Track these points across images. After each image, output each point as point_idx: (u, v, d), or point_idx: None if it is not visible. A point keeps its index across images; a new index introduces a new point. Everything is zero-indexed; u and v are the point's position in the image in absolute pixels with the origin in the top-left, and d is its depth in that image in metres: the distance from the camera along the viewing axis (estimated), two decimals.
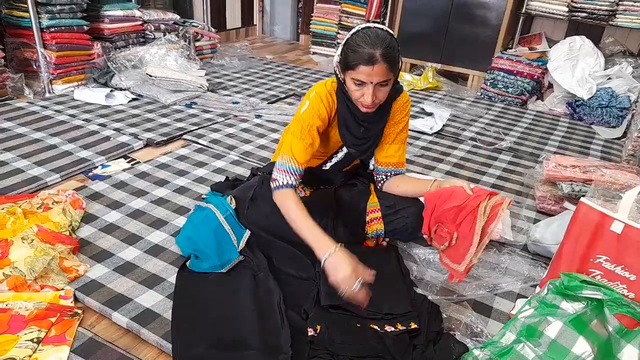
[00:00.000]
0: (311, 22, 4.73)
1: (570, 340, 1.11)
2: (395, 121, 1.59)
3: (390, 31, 1.38)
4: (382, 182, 1.64)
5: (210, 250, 1.50)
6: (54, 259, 1.40)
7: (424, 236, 1.51)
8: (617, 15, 3.44)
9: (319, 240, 1.31)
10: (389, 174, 1.62)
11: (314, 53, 4.78)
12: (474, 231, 1.34)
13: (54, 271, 1.39)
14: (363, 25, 1.39)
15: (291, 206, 1.39)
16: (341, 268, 1.23)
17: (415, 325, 1.30)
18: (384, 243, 1.67)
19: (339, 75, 1.46)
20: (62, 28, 2.93)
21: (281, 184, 1.42)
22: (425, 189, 1.52)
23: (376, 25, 1.39)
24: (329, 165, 1.70)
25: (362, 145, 1.59)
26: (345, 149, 1.65)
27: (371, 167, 1.75)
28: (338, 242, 1.30)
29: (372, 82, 1.35)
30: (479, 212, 1.34)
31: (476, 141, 2.84)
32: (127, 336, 1.27)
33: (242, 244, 1.55)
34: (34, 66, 2.96)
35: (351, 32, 1.38)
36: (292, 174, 1.43)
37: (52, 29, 2.88)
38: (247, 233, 1.58)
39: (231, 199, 1.68)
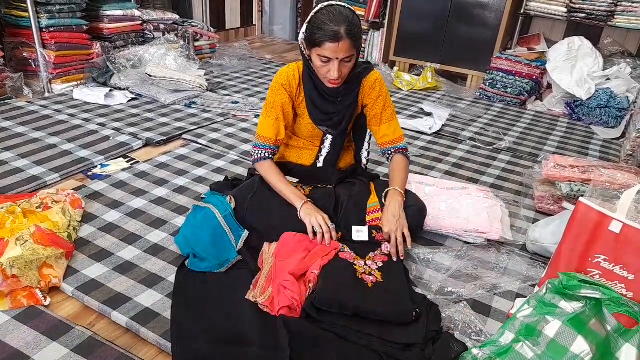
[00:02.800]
0: None
1: (569, 340, 1.11)
2: (372, 101, 1.66)
3: (352, 8, 1.46)
4: (389, 160, 1.75)
5: (207, 252, 1.50)
6: (37, 261, 1.39)
7: None
8: (615, 16, 3.45)
9: (295, 195, 1.58)
10: (391, 152, 1.73)
11: None
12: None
13: (32, 271, 1.37)
14: (326, 3, 1.46)
15: (269, 172, 1.64)
16: (312, 214, 1.53)
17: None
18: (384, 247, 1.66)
19: (304, 53, 1.53)
20: (62, 28, 2.93)
21: (257, 157, 1.67)
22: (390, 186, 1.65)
23: (339, 3, 1.47)
24: (321, 159, 1.73)
25: (330, 121, 1.66)
26: (329, 137, 1.70)
27: (364, 159, 1.84)
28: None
29: (337, 58, 1.44)
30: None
31: (475, 141, 2.84)
32: (127, 335, 1.27)
33: (241, 244, 1.55)
34: (33, 66, 2.96)
35: (315, 10, 1.45)
36: (263, 149, 1.66)
37: (52, 29, 2.88)
38: (246, 233, 1.58)
39: (231, 198, 1.68)
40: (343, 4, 1.46)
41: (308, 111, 1.66)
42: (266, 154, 1.65)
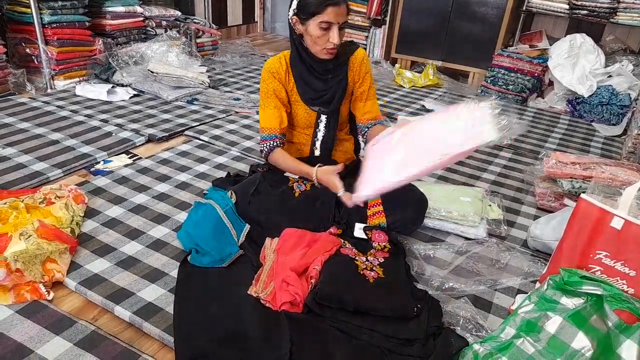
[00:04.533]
0: None
1: (569, 336, 1.12)
2: (360, 78, 1.72)
3: None
4: (365, 135, 1.79)
5: (209, 247, 1.50)
6: (42, 256, 1.40)
7: None
8: (617, 13, 3.44)
9: (306, 169, 1.61)
10: (370, 127, 1.77)
11: None
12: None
13: (35, 265, 1.38)
14: None
15: (280, 159, 1.67)
16: (329, 180, 1.55)
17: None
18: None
19: (295, 29, 1.56)
20: (64, 24, 2.93)
21: (267, 150, 1.67)
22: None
23: None
24: (317, 144, 1.73)
25: (322, 98, 1.68)
26: (323, 119, 1.72)
27: (361, 150, 1.86)
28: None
29: (338, 23, 1.49)
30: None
31: None
32: (130, 330, 1.28)
33: (242, 238, 1.56)
34: (36, 62, 2.96)
35: None
36: (270, 140, 1.66)
37: (54, 25, 2.88)
38: (247, 227, 1.59)
39: (231, 193, 1.68)
40: None
41: (299, 92, 1.68)
42: (274, 143, 1.66)
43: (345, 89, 1.71)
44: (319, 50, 1.56)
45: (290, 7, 1.55)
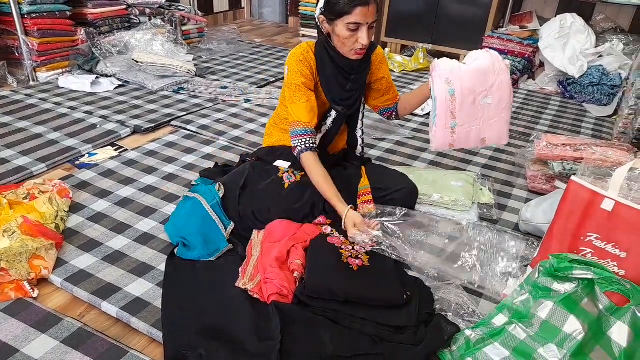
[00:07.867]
0: (300, 4, 4.64)
1: (561, 320, 1.11)
2: (384, 73, 1.73)
3: None
4: (393, 114, 1.83)
5: (196, 241, 1.48)
6: (27, 253, 1.37)
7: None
8: None
9: (338, 202, 1.52)
10: (393, 106, 1.81)
11: (304, 35, 4.70)
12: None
13: (21, 263, 1.35)
14: None
15: (313, 170, 1.54)
16: (357, 221, 1.49)
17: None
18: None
19: (323, 29, 1.52)
20: (44, 14, 2.85)
21: (301, 148, 1.55)
22: (425, 91, 1.70)
23: None
24: (319, 136, 1.70)
25: (348, 100, 1.66)
26: (333, 114, 1.68)
27: (359, 138, 1.81)
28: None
29: (367, 23, 1.45)
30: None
31: None
32: (117, 325, 1.26)
33: (227, 236, 1.53)
34: (17, 54, 2.89)
35: None
36: (304, 134, 1.55)
37: (33, 15, 2.80)
38: (232, 225, 1.56)
39: (219, 186, 1.65)
40: None
41: (325, 91, 1.63)
42: (309, 141, 1.55)
43: (364, 89, 1.71)
44: (347, 52, 1.52)
45: (317, 5, 1.50)
